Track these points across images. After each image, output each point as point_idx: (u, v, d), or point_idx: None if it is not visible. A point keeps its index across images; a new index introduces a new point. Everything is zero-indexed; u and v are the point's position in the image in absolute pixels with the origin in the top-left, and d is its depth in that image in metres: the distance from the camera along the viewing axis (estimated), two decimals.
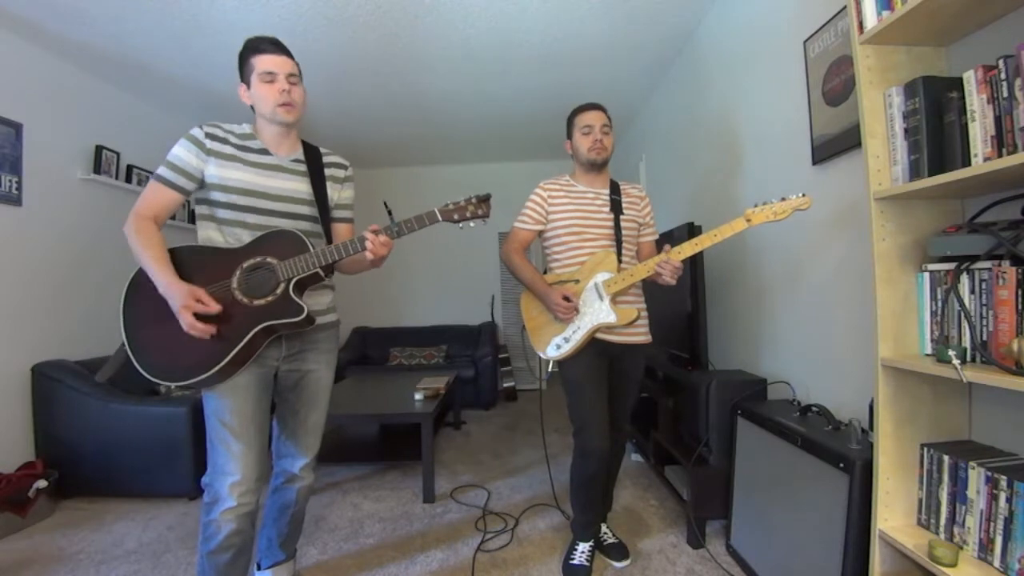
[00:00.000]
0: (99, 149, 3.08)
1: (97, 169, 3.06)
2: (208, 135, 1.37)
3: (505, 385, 4.79)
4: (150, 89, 3.30)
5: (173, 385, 1.30)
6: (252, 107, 1.44)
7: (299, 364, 1.51)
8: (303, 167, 1.48)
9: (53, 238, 2.82)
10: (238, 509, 1.35)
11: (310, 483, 1.60)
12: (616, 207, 1.81)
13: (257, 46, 1.38)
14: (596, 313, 1.71)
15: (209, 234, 1.40)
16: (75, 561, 2.00)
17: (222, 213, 1.38)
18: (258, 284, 1.34)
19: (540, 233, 1.85)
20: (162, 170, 1.35)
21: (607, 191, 1.83)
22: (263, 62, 1.36)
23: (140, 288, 1.33)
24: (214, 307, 1.27)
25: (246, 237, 1.38)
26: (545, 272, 1.86)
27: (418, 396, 2.91)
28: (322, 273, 1.39)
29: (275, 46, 1.39)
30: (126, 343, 1.31)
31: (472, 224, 1.45)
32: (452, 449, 3.32)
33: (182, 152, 1.35)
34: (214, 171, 1.36)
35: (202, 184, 1.38)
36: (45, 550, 2.09)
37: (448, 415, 3.93)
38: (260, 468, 1.40)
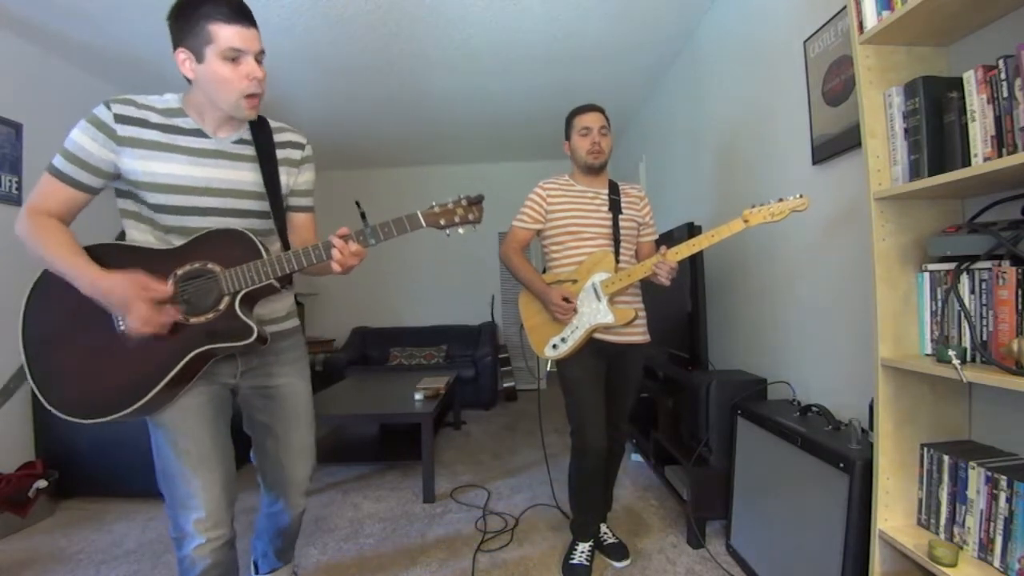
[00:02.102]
0: None
1: None
2: (119, 117, 1.06)
3: (505, 385, 4.79)
4: (150, 89, 3.25)
5: (88, 422, 1.04)
6: (189, 79, 1.11)
7: (264, 380, 1.26)
8: (250, 150, 1.18)
9: None
10: (209, 544, 1.14)
11: (305, 505, 1.42)
12: (615, 207, 1.80)
13: (214, 6, 1.01)
14: (594, 313, 1.71)
15: (136, 236, 1.15)
16: (75, 561, 2.00)
17: (159, 218, 1.12)
18: (196, 297, 1.09)
19: (539, 232, 1.85)
20: (58, 160, 1.05)
21: (606, 191, 1.83)
22: (227, 35, 1.02)
23: (46, 295, 1.08)
24: (165, 289, 1.03)
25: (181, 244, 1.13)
26: (543, 272, 1.86)
27: (418, 396, 2.91)
28: (277, 284, 1.15)
29: (241, 12, 1.03)
30: (27, 371, 1.06)
31: (461, 231, 1.20)
32: (452, 449, 3.32)
33: (84, 139, 1.04)
34: (134, 165, 1.07)
35: (118, 177, 1.10)
36: (45, 550, 2.09)
37: (448, 415, 3.93)
38: (228, 496, 1.18)
